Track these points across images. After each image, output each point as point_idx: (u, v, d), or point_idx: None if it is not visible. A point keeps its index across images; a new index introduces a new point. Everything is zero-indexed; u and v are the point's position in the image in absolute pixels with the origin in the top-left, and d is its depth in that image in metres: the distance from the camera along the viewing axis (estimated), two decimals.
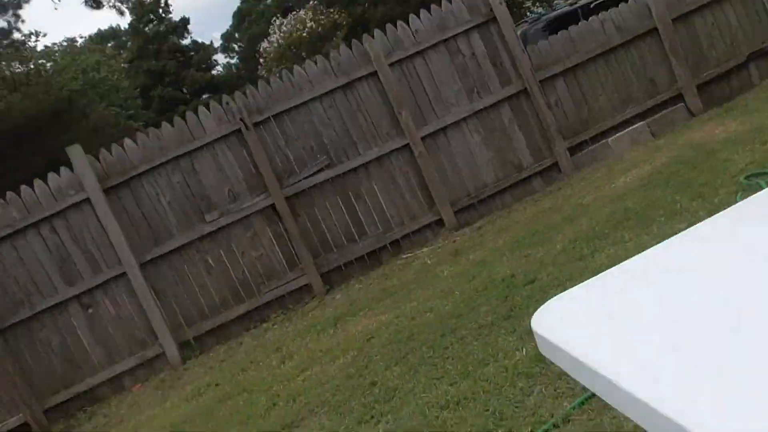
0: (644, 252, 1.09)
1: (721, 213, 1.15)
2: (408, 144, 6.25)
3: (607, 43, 6.70)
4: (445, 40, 6.36)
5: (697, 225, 1.13)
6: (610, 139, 6.58)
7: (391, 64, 6.24)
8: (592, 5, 9.34)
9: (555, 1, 23.66)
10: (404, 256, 6.14)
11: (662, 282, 0.98)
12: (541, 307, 1.02)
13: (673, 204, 4.15)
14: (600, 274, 1.10)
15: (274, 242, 6.15)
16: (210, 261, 6.06)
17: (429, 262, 5.66)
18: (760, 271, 0.85)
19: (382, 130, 6.29)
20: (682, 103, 6.83)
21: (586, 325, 0.93)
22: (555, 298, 1.04)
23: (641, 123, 6.67)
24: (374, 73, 6.23)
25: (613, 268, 1.08)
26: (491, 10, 6.39)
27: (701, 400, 0.64)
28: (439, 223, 6.36)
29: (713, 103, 6.83)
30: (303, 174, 6.18)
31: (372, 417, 3.14)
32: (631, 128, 6.65)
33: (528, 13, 21.97)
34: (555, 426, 2.40)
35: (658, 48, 6.82)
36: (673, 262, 1.03)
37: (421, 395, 3.11)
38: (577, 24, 6.93)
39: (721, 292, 0.87)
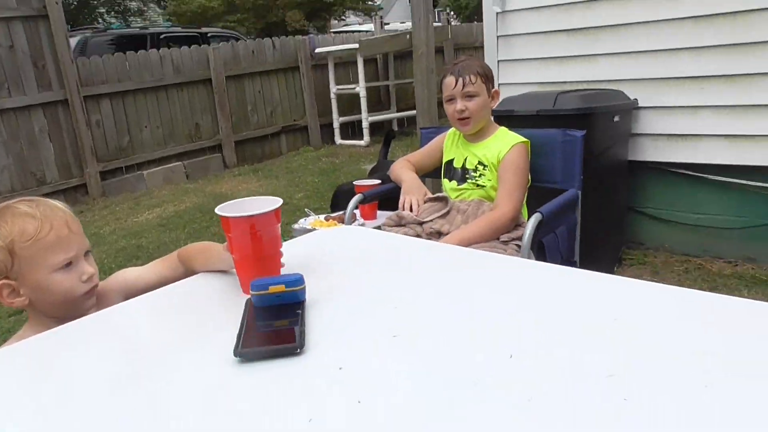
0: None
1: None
2: None
3: (162, 79, 6.78)
4: None
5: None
6: (145, 172, 6.58)
7: None
8: (162, 35, 9.41)
9: (131, 18, 23.06)
10: None
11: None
12: None
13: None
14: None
15: None
16: None
17: None
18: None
19: None
20: (220, 154, 7.33)
21: None
22: None
23: (179, 163, 6.88)
24: None
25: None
26: (44, 6, 5.81)
27: None
28: None
29: (246, 161, 7.52)
30: None
31: None
32: (168, 166, 6.79)
33: (98, 21, 20.81)
34: None
35: (208, 98, 7.22)
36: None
37: None
38: (146, 50, 6.85)
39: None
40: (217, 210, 1.05)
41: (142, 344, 0.93)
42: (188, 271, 1.23)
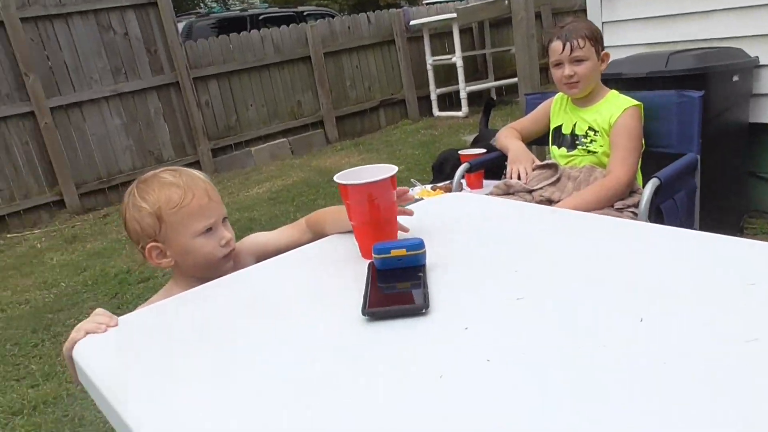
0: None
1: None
2: (33, 112, 5.56)
3: (263, 59, 6.99)
4: (97, 11, 5.88)
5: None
6: (253, 149, 6.84)
7: (25, 19, 5.50)
8: (260, 16, 9.68)
9: (230, 2, 23.80)
10: (9, 236, 5.42)
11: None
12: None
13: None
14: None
15: None
16: None
17: (39, 246, 5.09)
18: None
19: (1, 91, 5.48)
20: (322, 130, 7.49)
21: (123, 361, 0.90)
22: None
23: (283, 140, 7.10)
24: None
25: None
26: None
27: None
28: (60, 204, 5.78)
29: (346, 136, 7.65)
30: None
31: None
32: (274, 142, 7.02)
33: (200, 6, 21.64)
34: None
35: (308, 75, 7.37)
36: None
37: None
38: (247, 31, 7.08)
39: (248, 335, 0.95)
40: (335, 178, 1.09)
41: (277, 302, 0.99)
42: (316, 236, 1.30)
